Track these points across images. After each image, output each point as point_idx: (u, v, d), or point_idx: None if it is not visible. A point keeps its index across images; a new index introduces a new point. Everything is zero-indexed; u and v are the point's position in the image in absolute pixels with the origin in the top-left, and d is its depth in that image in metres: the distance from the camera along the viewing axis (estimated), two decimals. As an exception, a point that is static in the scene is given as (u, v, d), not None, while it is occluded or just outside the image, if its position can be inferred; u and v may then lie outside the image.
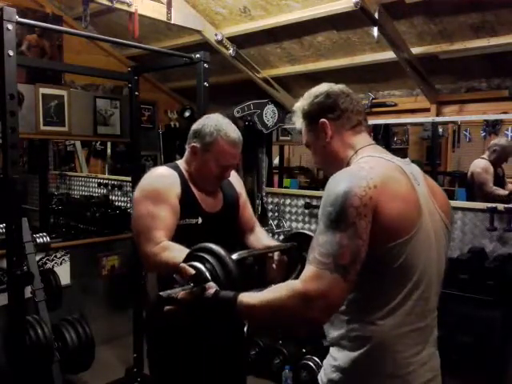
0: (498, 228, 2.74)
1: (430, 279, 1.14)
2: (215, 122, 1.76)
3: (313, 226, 3.55)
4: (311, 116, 1.26)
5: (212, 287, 1.08)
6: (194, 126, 1.81)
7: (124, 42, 2.82)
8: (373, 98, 3.98)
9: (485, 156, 4.00)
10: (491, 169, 3.89)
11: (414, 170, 1.19)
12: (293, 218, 3.76)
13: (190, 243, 1.28)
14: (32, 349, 2.52)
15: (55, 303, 2.97)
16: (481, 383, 2.44)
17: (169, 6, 3.24)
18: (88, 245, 3.75)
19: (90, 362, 2.88)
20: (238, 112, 3.47)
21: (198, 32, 3.68)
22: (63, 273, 3.37)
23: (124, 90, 4.63)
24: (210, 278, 1.11)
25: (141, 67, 3.66)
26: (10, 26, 2.03)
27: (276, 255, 1.62)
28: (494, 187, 3.83)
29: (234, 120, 3.20)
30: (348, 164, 1.21)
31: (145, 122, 4.73)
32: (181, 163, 1.85)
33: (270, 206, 3.86)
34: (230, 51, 3.76)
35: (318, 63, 3.80)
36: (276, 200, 3.84)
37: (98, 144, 5.42)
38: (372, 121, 3.76)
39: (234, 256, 1.21)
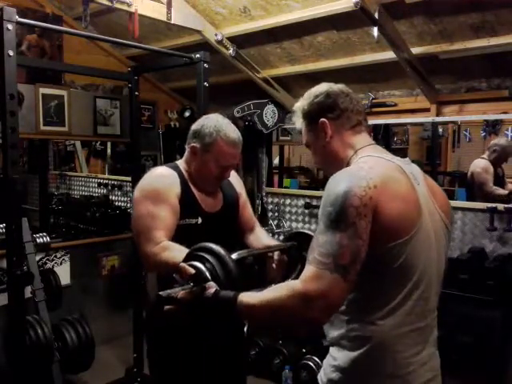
0: (498, 228, 2.74)
1: (430, 279, 1.14)
2: (215, 123, 1.76)
3: (313, 226, 3.55)
4: (311, 116, 1.26)
5: (212, 287, 1.08)
6: (194, 127, 1.81)
7: (124, 42, 2.82)
8: (373, 98, 3.97)
9: (485, 156, 4.00)
10: (491, 169, 3.89)
11: (414, 170, 1.19)
12: (293, 217, 3.77)
13: (189, 243, 1.28)
14: (32, 349, 2.52)
15: (55, 303, 2.97)
16: (481, 383, 2.44)
17: (169, 6, 3.24)
18: (88, 245, 3.75)
19: (90, 362, 2.88)
20: (238, 112, 3.47)
21: (198, 32, 3.68)
22: (63, 273, 3.37)
23: (124, 90, 4.63)
24: (209, 277, 1.11)
25: (141, 67, 3.66)
26: (10, 26, 2.03)
27: (276, 255, 1.62)
28: (494, 187, 3.83)
29: (234, 120, 3.21)
30: (348, 164, 1.21)
31: (145, 122, 4.73)
32: (180, 163, 1.85)
33: (270, 206, 3.86)
34: (230, 51, 3.76)
35: (317, 63, 3.80)
36: (276, 200, 3.84)
37: (97, 144, 5.42)
38: (372, 121, 3.76)
39: (234, 255, 1.21)
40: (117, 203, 4.69)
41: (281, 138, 4.69)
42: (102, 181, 4.99)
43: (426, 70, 3.47)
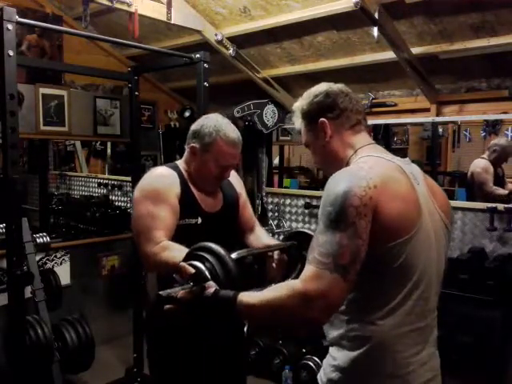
0: (498, 228, 2.74)
1: (429, 279, 1.14)
2: (214, 123, 1.76)
3: (313, 226, 3.55)
4: (310, 116, 1.26)
5: (212, 286, 1.08)
6: (193, 127, 1.81)
7: (124, 42, 2.82)
8: (373, 98, 3.97)
9: (485, 156, 4.00)
10: (491, 169, 3.89)
11: (414, 170, 1.19)
12: (293, 217, 3.77)
13: (189, 243, 1.28)
14: (32, 349, 2.52)
15: (55, 303, 2.97)
16: (481, 383, 2.44)
17: (169, 6, 3.24)
18: (88, 245, 3.76)
19: (90, 362, 2.88)
20: (238, 112, 3.47)
21: (198, 32, 3.68)
22: (63, 273, 3.37)
23: (124, 90, 4.63)
24: (209, 277, 1.11)
25: (141, 67, 3.66)
26: (10, 26, 2.03)
27: (276, 254, 1.62)
28: (494, 187, 3.83)
29: (234, 120, 3.21)
30: (348, 164, 1.21)
31: (145, 122, 4.73)
32: (180, 163, 1.85)
33: (270, 206, 3.86)
34: (230, 51, 3.76)
35: (317, 63, 3.80)
36: (276, 200, 3.84)
37: (98, 144, 5.42)
38: (372, 121, 3.76)
39: (234, 255, 1.21)
40: (117, 203, 4.69)
41: (281, 138, 4.69)
42: (102, 181, 4.99)
43: (426, 70, 3.47)
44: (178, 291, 1.10)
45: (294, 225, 3.74)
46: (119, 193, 4.74)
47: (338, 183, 1.05)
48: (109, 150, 5.43)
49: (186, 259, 1.19)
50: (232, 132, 1.77)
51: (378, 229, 1.03)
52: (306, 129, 1.30)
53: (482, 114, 3.66)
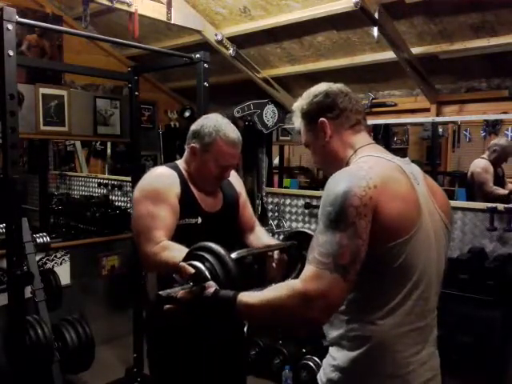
0: (498, 228, 2.74)
1: (429, 279, 1.14)
2: (214, 123, 1.76)
3: (313, 226, 3.55)
4: (310, 115, 1.26)
5: (211, 286, 1.08)
6: (193, 127, 1.81)
7: (124, 42, 2.82)
8: (373, 98, 3.97)
9: (485, 156, 4.00)
10: (491, 168, 3.89)
11: (414, 170, 1.19)
12: (293, 217, 3.77)
13: (189, 243, 1.28)
14: (32, 349, 2.52)
15: (55, 303, 2.97)
16: (481, 383, 2.44)
17: (169, 6, 3.24)
18: (88, 245, 3.76)
19: (90, 362, 2.88)
20: (238, 112, 3.47)
21: (198, 32, 3.68)
22: (63, 273, 3.37)
23: (124, 90, 4.63)
24: (209, 276, 1.11)
25: (141, 67, 3.66)
26: (10, 26, 2.03)
27: (276, 254, 1.62)
28: (494, 187, 3.83)
29: (234, 120, 3.21)
30: (347, 163, 1.21)
31: (145, 122, 4.73)
32: (180, 163, 1.85)
33: (270, 206, 3.86)
34: (230, 51, 3.76)
35: (317, 63, 3.80)
36: (276, 200, 3.84)
37: (98, 144, 5.42)
38: (372, 121, 3.76)
39: (234, 255, 1.20)
40: (117, 203, 4.69)
41: (281, 137, 4.69)
42: (102, 181, 4.99)
43: (426, 70, 3.47)
44: (178, 291, 1.10)
45: (294, 225, 3.74)
46: (119, 193, 4.74)
47: (338, 183, 1.05)
48: (109, 150, 5.43)
49: (185, 259, 1.19)
50: (232, 132, 1.77)
51: (377, 229, 1.03)
52: (306, 129, 1.30)
53: (482, 114, 3.66)
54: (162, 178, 1.76)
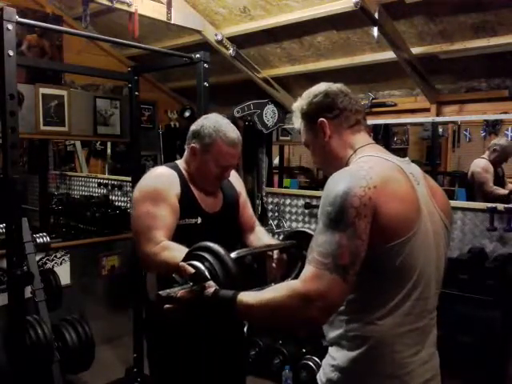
0: (498, 228, 2.74)
1: (429, 279, 1.14)
2: (214, 123, 1.76)
3: (313, 226, 3.55)
4: (310, 115, 1.26)
5: (211, 286, 1.08)
6: (193, 127, 1.81)
7: (124, 42, 2.81)
8: (373, 98, 3.98)
9: (485, 156, 4.00)
10: (491, 168, 3.89)
11: (414, 170, 1.19)
12: (293, 217, 3.77)
13: (189, 243, 1.28)
14: (32, 349, 2.52)
15: (55, 303, 2.96)
16: (481, 383, 2.44)
17: (169, 6, 3.24)
18: (88, 245, 3.75)
19: (90, 362, 2.88)
20: (237, 112, 3.47)
21: (198, 32, 3.68)
22: (63, 273, 3.37)
23: (124, 90, 4.63)
24: (209, 276, 1.11)
25: (141, 67, 3.66)
26: (10, 26, 2.03)
27: (275, 253, 1.62)
28: (494, 187, 3.83)
29: (234, 120, 3.20)
30: (347, 163, 1.21)
31: (145, 122, 4.73)
32: (180, 163, 1.86)
33: (270, 206, 3.86)
34: (230, 51, 3.76)
35: (317, 63, 3.80)
36: (276, 200, 3.84)
37: (98, 144, 5.42)
38: (372, 121, 3.76)
39: (233, 254, 1.20)
40: (117, 203, 4.68)
41: (281, 137, 4.69)
42: (102, 181, 4.98)
43: (426, 70, 3.47)
44: (178, 291, 1.10)
45: (294, 225, 3.74)
46: (119, 193, 4.73)
47: (338, 183, 1.05)
48: (109, 150, 5.43)
49: (185, 259, 1.19)
50: (232, 132, 1.77)
51: (377, 229, 1.03)
52: (306, 129, 1.30)
53: (482, 114, 3.67)
54: (161, 178, 1.76)
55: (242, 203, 1.98)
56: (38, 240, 2.92)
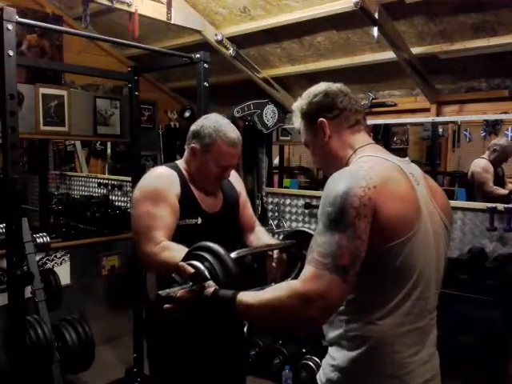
0: (498, 228, 2.74)
1: (429, 279, 1.14)
2: (214, 123, 1.76)
3: (313, 226, 3.55)
4: (310, 115, 1.26)
5: (211, 286, 1.08)
6: (193, 127, 1.81)
7: (124, 42, 2.81)
8: (373, 98, 3.98)
9: (485, 156, 4.00)
10: (491, 168, 3.89)
11: (414, 170, 1.18)
12: (293, 217, 3.76)
13: (189, 243, 1.28)
14: (32, 349, 2.52)
15: (55, 303, 2.96)
16: (481, 383, 2.44)
17: (169, 6, 3.24)
18: (88, 245, 3.75)
19: (90, 361, 2.88)
20: (237, 112, 3.47)
21: (198, 32, 3.68)
22: (63, 273, 3.37)
23: (124, 90, 4.63)
24: (208, 276, 1.11)
25: (141, 67, 3.66)
26: (10, 26, 2.03)
27: (275, 253, 1.62)
28: (494, 187, 3.83)
29: (234, 120, 3.21)
30: (347, 163, 1.21)
31: (145, 122, 4.73)
32: (180, 163, 1.86)
33: (270, 206, 3.86)
34: (230, 51, 3.76)
35: (317, 63, 3.80)
36: (276, 200, 3.84)
37: (98, 144, 5.42)
38: (372, 121, 3.76)
39: (233, 254, 1.20)
40: (117, 203, 4.68)
41: (281, 137, 4.69)
42: (102, 181, 4.98)
43: (426, 70, 3.47)
44: (178, 291, 1.10)
45: (293, 225, 3.74)
46: (119, 193, 4.73)
47: (338, 183, 1.05)
48: (109, 150, 5.43)
49: (185, 259, 1.19)
50: (232, 132, 1.77)
51: (376, 229, 1.03)
52: (306, 128, 1.30)
53: (482, 114, 3.67)
54: (161, 178, 1.76)
55: (242, 203, 1.98)
56: (38, 240, 2.92)
